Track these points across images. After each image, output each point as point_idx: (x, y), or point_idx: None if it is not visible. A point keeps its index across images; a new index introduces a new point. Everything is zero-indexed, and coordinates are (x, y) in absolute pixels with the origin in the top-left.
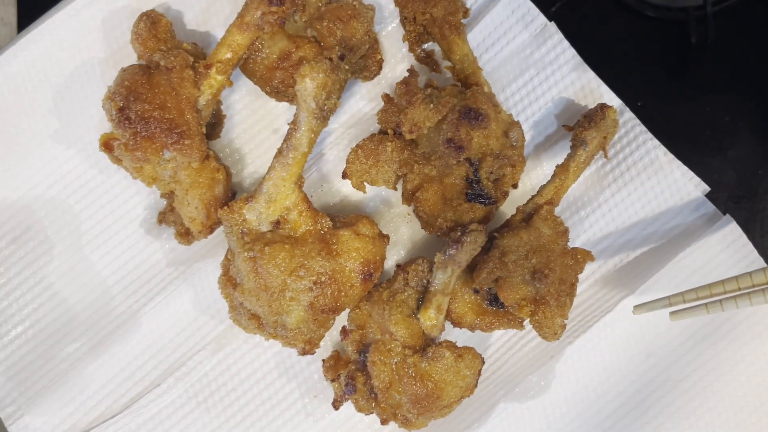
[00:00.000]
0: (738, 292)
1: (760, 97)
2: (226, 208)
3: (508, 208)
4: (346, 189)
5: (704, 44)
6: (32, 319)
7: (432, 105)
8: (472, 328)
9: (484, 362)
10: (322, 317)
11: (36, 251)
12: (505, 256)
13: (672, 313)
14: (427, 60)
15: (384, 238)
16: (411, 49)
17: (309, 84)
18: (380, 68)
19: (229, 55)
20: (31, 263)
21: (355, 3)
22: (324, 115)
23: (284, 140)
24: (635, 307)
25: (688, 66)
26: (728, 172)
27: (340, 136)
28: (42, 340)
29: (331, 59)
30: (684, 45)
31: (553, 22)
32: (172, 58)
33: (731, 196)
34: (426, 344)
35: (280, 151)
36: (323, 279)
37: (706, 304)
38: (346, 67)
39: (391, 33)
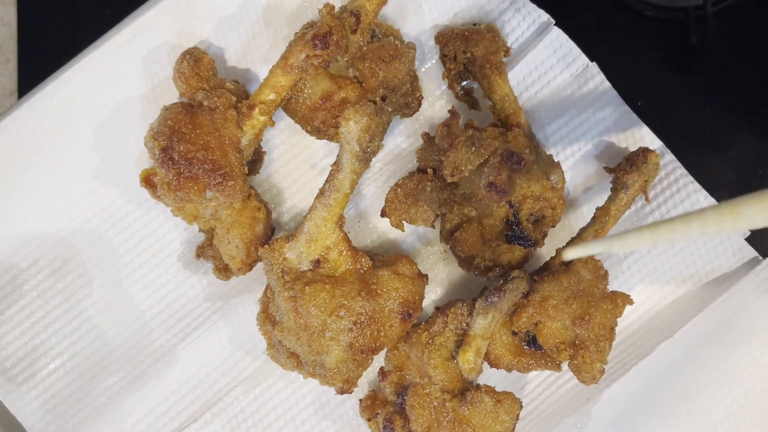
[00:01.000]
0: None
1: (760, 97)
2: (266, 246)
3: (546, 248)
4: (383, 226)
5: (704, 44)
6: (70, 352)
7: (474, 148)
8: (509, 369)
9: (522, 407)
10: (361, 357)
11: (74, 284)
12: (546, 300)
13: None
14: (466, 98)
15: (423, 277)
16: (450, 87)
17: (353, 127)
18: (419, 105)
19: (272, 96)
20: (69, 296)
21: (396, 42)
22: (367, 157)
23: (326, 181)
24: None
25: (688, 66)
26: (728, 172)
27: (378, 172)
28: (80, 373)
29: (375, 102)
30: (684, 45)
31: (594, 62)
32: (216, 98)
33: (731, 196)
34: (464, 388)
35: (322, 192)
36: (363, 319)
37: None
38: (390, 109)
39: (430, 70)
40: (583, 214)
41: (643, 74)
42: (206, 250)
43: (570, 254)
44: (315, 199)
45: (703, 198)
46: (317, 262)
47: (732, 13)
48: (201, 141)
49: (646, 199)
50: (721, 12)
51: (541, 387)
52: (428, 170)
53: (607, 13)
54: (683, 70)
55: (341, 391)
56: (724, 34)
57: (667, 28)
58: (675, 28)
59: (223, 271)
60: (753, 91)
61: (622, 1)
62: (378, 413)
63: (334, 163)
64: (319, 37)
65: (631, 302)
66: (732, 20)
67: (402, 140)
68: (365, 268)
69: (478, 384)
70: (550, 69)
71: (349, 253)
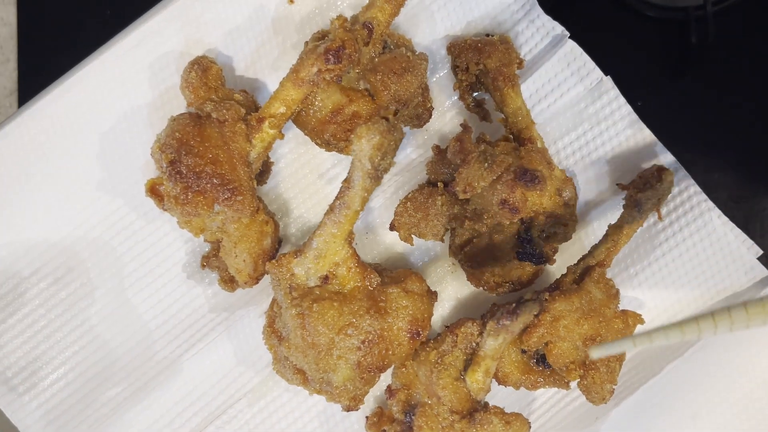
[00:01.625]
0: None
1: (760, 97)
2: (274, 261)
3: (556, 264)
4: (391, 238)
5: (704, 44)
6: (73, 362)
7: (486, 164)
8: (516, 386)
9: (530, 427)
10: (369, 375)
11: (78, 293)
12: (557, 321)
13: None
14: (477, 109)
15: (432, 295)
16: (462, 98)
17: (365, 145)
18: (430, 116)
19: (282, 110)
20: (72, 305)
21: (408, 54)
22: (378, 175)
23: (336, 198)
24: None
25: (688, 66)
26: (728, 172)
27: (387, 182)
28: (82, 383)
29: (387, 119)
30: (684, 45)
31: (609, 77)
32: (225, 111)
33: (731, 196)
34: (473, 408)
35: (331, 209)
36: (371, 338)
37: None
38: (402, 126)
39: (440, 80)
40: (594, 230)
41: (643, 74)
42: (212, 260)
43: (596, 353)
44: (324, 215)
45: (716, 217)
46: (325, 279)
47: (732, 13)
48: (209, 154)
49: (660, 217)
50: (721, 12)
51: (548, 404)
52: (439, 184)
53: (607, 13)
54: (683, 70)
55: (348, 409)
56: (724, 34)
57: (667, 28)
58: (675, 28)
59: (229, 282)
60: (753, 90)
61: (622, 1)
62: (384, 430)
63: (345, 180)
64: (331, 51)
65: (642, 322)
66: (732, 20)
67: (411, 151)
68: (374, 285)
69: (487, 403)
70: (563, 82)
71: (358, 270)
